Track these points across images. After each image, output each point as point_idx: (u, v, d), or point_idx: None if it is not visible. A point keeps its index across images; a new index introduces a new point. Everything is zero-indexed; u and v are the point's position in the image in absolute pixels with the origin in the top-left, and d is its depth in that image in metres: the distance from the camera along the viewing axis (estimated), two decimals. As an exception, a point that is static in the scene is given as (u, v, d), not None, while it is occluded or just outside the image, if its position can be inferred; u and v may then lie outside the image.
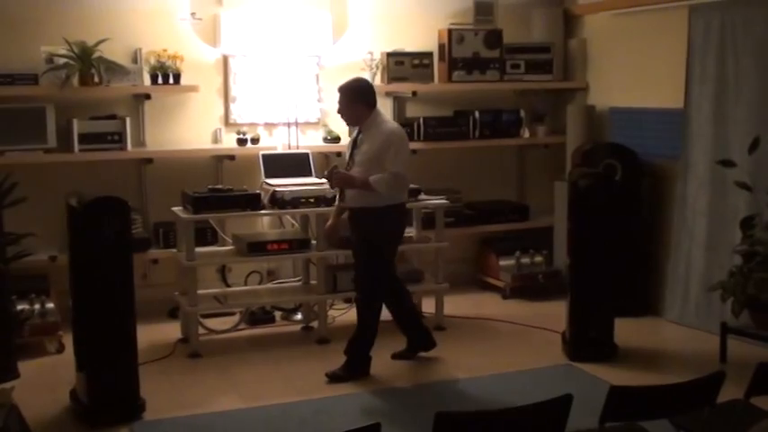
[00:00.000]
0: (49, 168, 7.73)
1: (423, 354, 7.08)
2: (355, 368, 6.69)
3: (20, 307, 7.06)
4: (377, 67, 8.59)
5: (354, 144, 6.72)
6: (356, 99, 6.62)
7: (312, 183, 7.67)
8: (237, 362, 7.04)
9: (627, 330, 7.36)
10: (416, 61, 8.70)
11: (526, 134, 9.20)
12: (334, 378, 6.60)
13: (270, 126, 8.54)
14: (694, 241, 7.83)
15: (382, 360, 6.95)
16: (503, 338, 7.61)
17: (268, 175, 7.81)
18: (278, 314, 8.15)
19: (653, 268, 8.30)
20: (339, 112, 6.74)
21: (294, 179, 7.73)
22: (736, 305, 6.89)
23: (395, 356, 7.05)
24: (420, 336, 7.08)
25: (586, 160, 8.15)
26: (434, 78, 8.80)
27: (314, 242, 7.60)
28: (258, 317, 8.02)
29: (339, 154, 8.47)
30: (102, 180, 7.66)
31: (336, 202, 7.03)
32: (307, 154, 8.13)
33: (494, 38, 8.90)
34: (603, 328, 7.05)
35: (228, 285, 8.20)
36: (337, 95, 6.70)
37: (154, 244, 8.01)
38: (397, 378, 6.67)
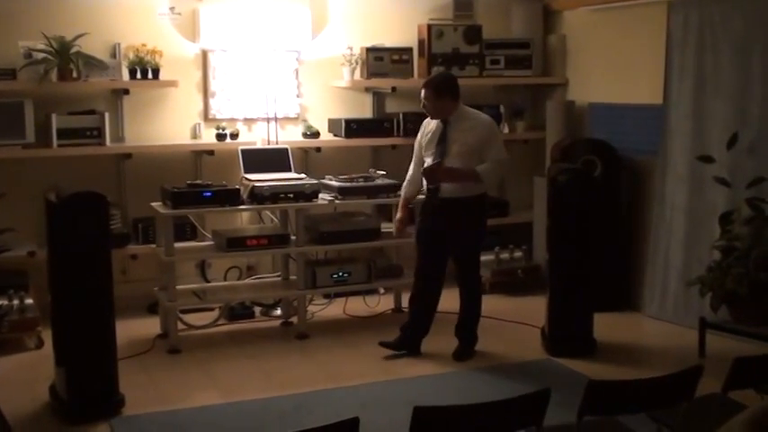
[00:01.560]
0: (28, 163, 7.70)
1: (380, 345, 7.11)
2: (472, 348, 7.06)
3: (-2, 303, 7.05)
4: (356, 63, 8.59)
5: (443, 137, 6.74)
6: (446, 94, 6.73)
7: (291, 178, 7.66)
8: (217, 357, 7.03)
9: (606, 325, 7.39)
10: (396, 57, 8.71)
11: (506, 129, 9.20)
12: (464, 356, 6.96)
13: (249, 121, 8.53)
14: (673, 236, 7.86)
15: (362, 355, 6.96)
16: (482, 333, 7.59)
17: (247, 171, 7.79)
18: (257, 309, 8.14)
19: (632, 263, 8.33)
20: (430, 108, 6.77)
21: (273, 174, 7.71)
22: (715, 300, 6.93)
23: (383, 344, 7.09)
24: (413, 335, 7.13)
25: (566, 156, 8.17)
26: (414, 74, 8.80)
27: (293, 237, 7.60)
28: (237, 312, 8.01)
29: (319, 149, 8.48)
30: (80, 175, 7.62)
31: (423, 191, 7.04)
32: (286, 149, 8.12)
33: (473, 33, 8.91)
34: (582, 323, 7.07)
35: (208, 281, 8.20)
36: (424, 91, 6.76)
37: (133, 239, 7.99)
38: (375, 373, 6.67)
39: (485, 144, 6.70)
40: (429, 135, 6.88)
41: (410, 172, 7.14)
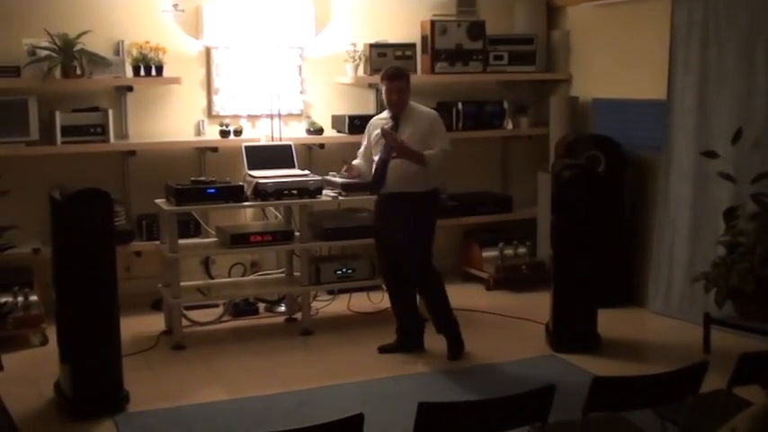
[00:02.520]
0: (32, 161, 7.70)
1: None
2: (460, 341, 6.96)
3: (3, 299, 7.04)
4: (360, 59, 8.58)
5: (394, 131, 6.72)
6: (408, 85, 6.83)
7: (295, 174, 7.65)
8: (221, 353, 7.04)
9: (610, 321, 7.38)
10: (399, 53, 8.70)
11: (509, 125, 9.19)
12: (456, 354, 6.90)
13: (253, 118, 8.52)
14: (677, 232, 7.85)
15: (366, 351, 6.96)
16: (486, 330, 7.61)
17: (251, 167, 7.79)
18: (261, 306, 8.14)
19: (636, 259, 8.32)
20: (397, 99, 6.74)
21: (277, 171, 7.71)
22: (720, 296, 6.92)
23: (382, 349, 7.06)
24: (406, 333, 7.11)
25: (570, 152, 8.16)
26: (417, 70, 8.79)
27: (297, 234, 7.59)
28: (242, 308, 8.01)
29: (322, 146, 8.48)
30: (84, 172, 7.62)
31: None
32: (290, 146, 8.12)
33: (477, 29, 8.89)
34: (587, 318, 7.07)
35: (212, 277, 8.19)
36: (391, 82, 6.73)
37: (137, 236, 7.99)
38: (380, 369, 6.67)
39: (430, 135, 6.72)
40: (375, 134, 6.89)
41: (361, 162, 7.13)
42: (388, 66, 7.09)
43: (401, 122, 6.75)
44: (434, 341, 7.15)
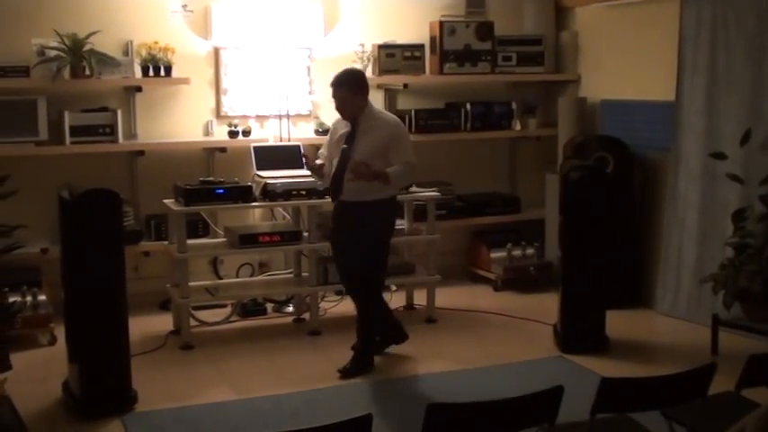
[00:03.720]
0: (41, 161, 7.72)
1: (394, 347, 6.99)
2: (362, 363, 6.66)
3: (12, 299, 7.03)
4: (368, 60, 8.59)
5: (351, 138, 6.51)
6: (357, 91, 6.50)
7: (304, 175, 7.64)
8: (229, 353, 7.05)
9: (618, 322, 7.38)
10: (408, 53, 8.70)
11: (518, 126, 9.19)
12: (346, 374, 6.55)
13: (261, 118, 8.53)
14: (686, 233, 7.85)
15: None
16: (494, 330, 7.61)
17: (260, 168, 7.81)
18: (269, 306, 8.15)
19: (644, 260, 8.32)
20: (339, 107, 6.52)
21: (286, 171, 7.72)
22: (728, 297, 6.91)
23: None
24: (393, 328, 6.99)
25: (578, 152, 8.15)
26: (426, 70, 8.80)
27: (305, 234, 7.60)
28: (250, 309, 8.02)
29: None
30: (93, 172, 7.65)
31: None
32: (298, 146, 8.13)
33: (485, 30, 8.89)
34: (595, 320, 7.06)
35: (220, 277, 8.20)
36: (333, 89, 6.53)
37: (145, 236, 8.00)
38: (388, 369, 6.67)
39: (391, 145, 6.41)
40: (338, 136, 6.65)
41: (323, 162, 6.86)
42: None
43: (358, 130, 6.48)
44: (442, 343, 7.14)
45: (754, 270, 6.81)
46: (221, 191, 7.30)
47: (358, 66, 8.35)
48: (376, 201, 6.46)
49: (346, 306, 8.10)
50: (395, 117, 6.72)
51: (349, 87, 6.48)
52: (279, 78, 8.44)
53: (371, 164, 6.28)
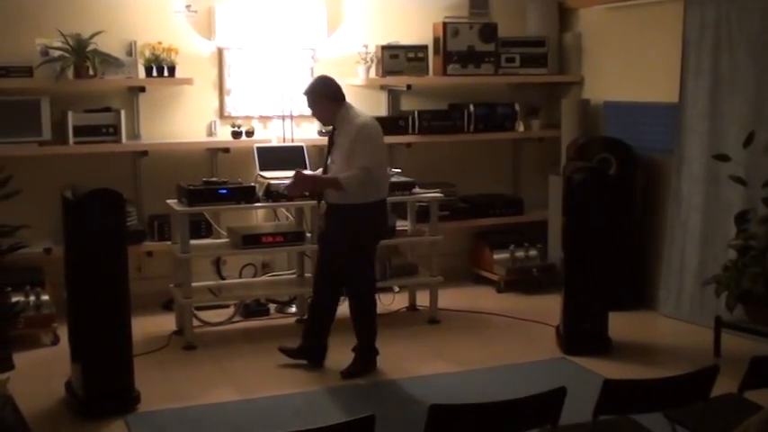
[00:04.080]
0: (44, 161, 7.73)
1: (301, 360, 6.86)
2: (363, 363, 6.66)
3: (15, 299, 7.05)
4: (371, 61, 8.59)
5: (331, 142, 6.59)
6: (327, 97, 6.53)
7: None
8: (232, 354, 7.05)
9: (621, 324, 7.37)
10: (411, 54, 8.70)
11: (521, 128, 9.19)
12: (349, 376, 6.54)
13: (265, 119, 8.54)
14: (689, 235, 7.84)
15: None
16: (497, 332, 7.61)
17: (263, 168, 7.82)
18: (272, 307, 8.15)
19: (647, 262, 8.32)
20: (314, 114, 6.71)
21: (289, 172, 7.68)
22: (731, 299, 6.90)
23: (282, 349, 6.88)
24: (319, 346, 6.85)
25: (581, 154, 8.15)
26: (429, 72, 8.80)
27: (308, 235, 7.60)
28: (253, 309, 8.03)
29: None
30: (96, 172, 7.65)
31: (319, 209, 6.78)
32: (301, 147, 8.14)
33: (489, 31, 8.89)
34: (598, 321, 7.06)
35: (223, 278, 8.20)
36: (305, 98, 6.63)
37: (148, 236, 8.00)
38: (391, 371, 6.67)
39: (353, 149, 6.36)
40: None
41: None
42: None
43: (335, 134, 6.55)
44: (446, 344, 7.14)
45: (757, 272, 6.80)
46: (224, 191, 7.30)
47: (361, 67, 8.39)
48: (353, 204, 6.41)
49: (346, 309, 8.11)
50: (363, 120, 6.52)
51: (318, 95, 6.55)
52: (282, 79, 8.44)
53: (314, 174, 6.61)
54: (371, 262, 6.74)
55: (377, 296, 6.92)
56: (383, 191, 6.63)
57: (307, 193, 7.08)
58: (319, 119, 6.70)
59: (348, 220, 6.48)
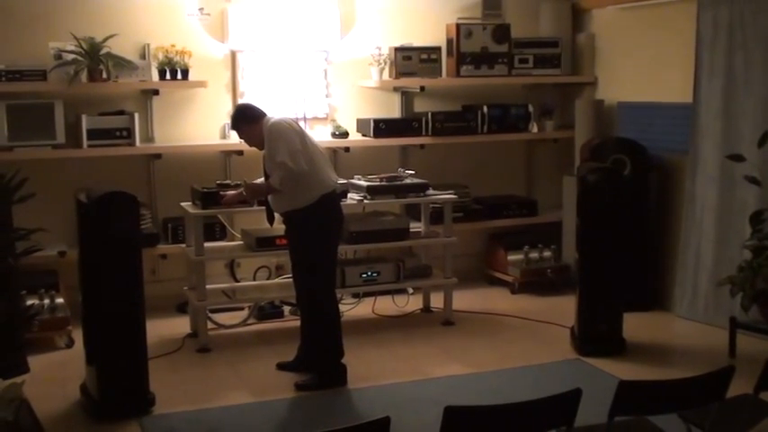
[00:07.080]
0: (58, 164, 7.75)
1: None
2: (320, 378, 6.44)
3: (29, 302, 7.08)
4: (385, 62, 8.58)
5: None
6: (244, 124, 6.46)
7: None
8: (246, 356, 7.05)
9: (635, 325, 7.36)
10: (424, 56, 8.69)
11: (534, 129, 9.18)
12: (301, 386, 6.38)
13: (278, 121, 8.53)
14: (703, 236, 7.82)
15: (392, 354, 6.97)
16: (511, 333, 7.60)
17: (276, 171, 7.81)
18: (286, 309, 8.14)
19: (662, 263, 8.30)
20: (248, 143, 6.56)
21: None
22: (746, 300, 6.88)
23: (280, 366, 6.81)
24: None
25: (595, 155, 8.14)
26: (443, 73, 8.79)
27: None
28: (267, 311, 8.03)
29: (347, 149, 8.48)
30: (110, 175, 7.67)
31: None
32: (315, 149, 8.13)
33: (502, 32, 8.88)
34: (612, 322, 7.04)
35: (237, 280, 8.21)
36: (236, 132, 6.61)
37: (163, 239, 8.03)
38: (405, 372, 6.66)
39: (269, 152, 6.26)
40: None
41: None
42: None
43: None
44: (457, 344, 7.14)
45: (771, 272, 6.79)
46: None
47: (374, 69, 8.38)
48: (300, 209, 6.32)
49: (363, 309, 8.14)
50: (270, 122, 6.34)
51: (241, 122, 6.49)
52: (296, 81, 8.45)
53: (253, 182, 6.67)
54: (332, 267, 6.59)
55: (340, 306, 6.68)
56: (326, 183, 6.41)
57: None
58: (255, 145, 6.48)
59: (300, 224, 6.38)
